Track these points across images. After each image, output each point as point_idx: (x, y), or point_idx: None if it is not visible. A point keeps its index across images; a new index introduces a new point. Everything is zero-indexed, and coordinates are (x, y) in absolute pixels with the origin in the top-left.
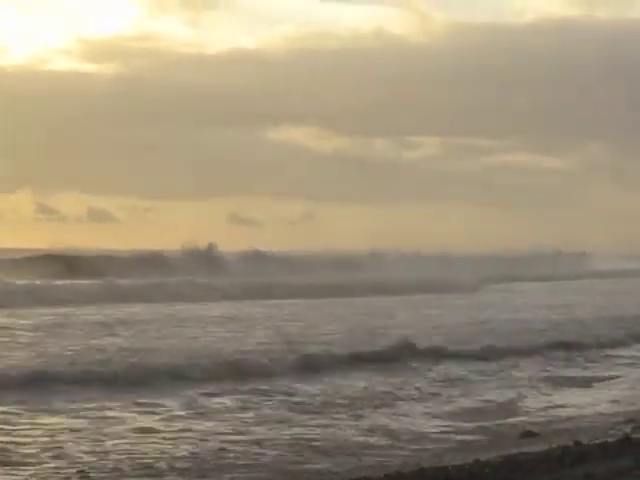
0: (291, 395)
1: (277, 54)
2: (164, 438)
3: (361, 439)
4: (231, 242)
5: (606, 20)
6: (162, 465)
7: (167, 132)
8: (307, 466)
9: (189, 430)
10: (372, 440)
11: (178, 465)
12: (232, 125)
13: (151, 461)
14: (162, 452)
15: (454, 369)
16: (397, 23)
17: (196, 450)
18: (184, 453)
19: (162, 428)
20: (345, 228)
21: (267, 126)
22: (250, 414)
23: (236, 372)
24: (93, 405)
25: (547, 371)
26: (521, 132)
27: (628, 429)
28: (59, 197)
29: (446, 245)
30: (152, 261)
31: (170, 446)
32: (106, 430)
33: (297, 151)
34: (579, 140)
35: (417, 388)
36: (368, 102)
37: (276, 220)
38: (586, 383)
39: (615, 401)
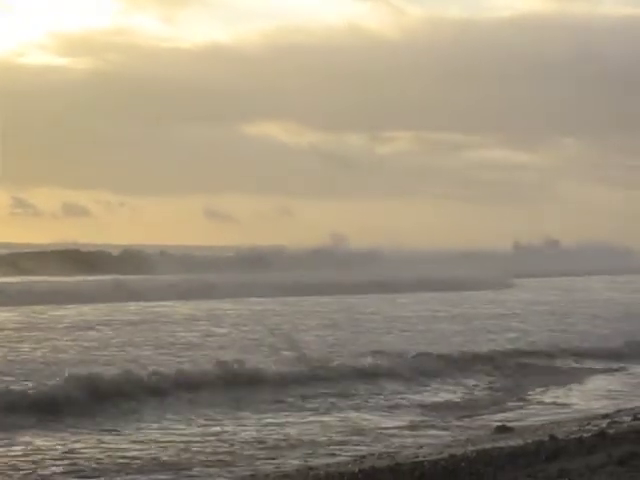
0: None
1: (252, 49)
2: None
3: (333, 436)
4: (206, 238)
5: (580, 15)
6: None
7: (142, 127)
8: (281, 461)
9: None
10: (345, 437)
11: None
12: (207, 120)
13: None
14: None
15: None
16: (371, 18)
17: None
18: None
19: None
20: (321, 223)
21: (242, 121)
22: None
23: None
24: None
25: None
26: (495, 127)
27: (604, 424)
28: (35, 192)
29: (424, 241)
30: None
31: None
32: None
33: (272, 146)
34: (554, 135)
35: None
36: (343, 97)
37: (252, 215)
38: None
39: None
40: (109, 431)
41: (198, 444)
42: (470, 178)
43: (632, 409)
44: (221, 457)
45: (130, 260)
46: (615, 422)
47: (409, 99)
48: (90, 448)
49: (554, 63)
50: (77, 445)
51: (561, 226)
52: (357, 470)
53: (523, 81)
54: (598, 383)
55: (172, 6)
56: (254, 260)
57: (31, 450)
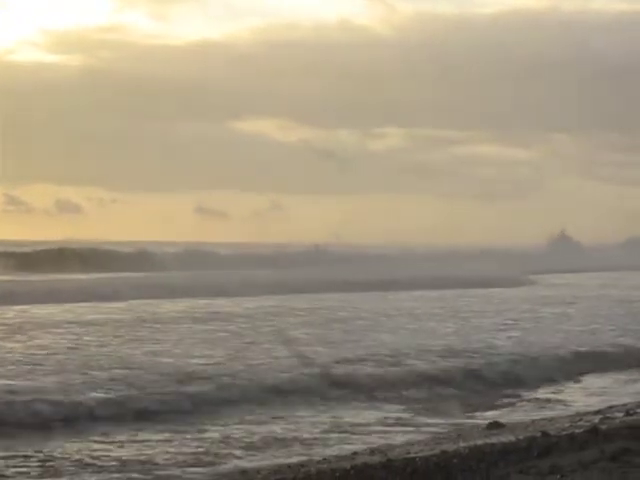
0: None
1: (244, 46)
2: None
3: (324, 433)
4: (198, 234)
5: (573, 11)
6: None
7: (134, 124)
8: (271, 459)
9: None
10: (336, 433)
11: None
12: (199, 117)
13: None
14: None
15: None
16: (363, 15)
17: None
18: None
19: None
20: (313, 219)
21: (234, 118)
22: None
23: None
24: None
25: None
26: (488, 124)
27: (596, 420)
28: (26, 189)
29: (420, 238)
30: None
31: None
32: None
33: (264, 143)
34: (546, 132)
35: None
36: (335, 93)
37: (244, 212)
38: None
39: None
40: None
41: (177, 443)
42: (462, 174)
43: (624, 405)
44: (208, 458)
45: (126, 257)
46: (607, 418)
47: (401, 95)
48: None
49: (546, 59)
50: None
51: (556, 222)
52: (349, 467)
53: (515, 77)
54: (590, 380)
55: (164, 3)
56: (249, 258)
57: None
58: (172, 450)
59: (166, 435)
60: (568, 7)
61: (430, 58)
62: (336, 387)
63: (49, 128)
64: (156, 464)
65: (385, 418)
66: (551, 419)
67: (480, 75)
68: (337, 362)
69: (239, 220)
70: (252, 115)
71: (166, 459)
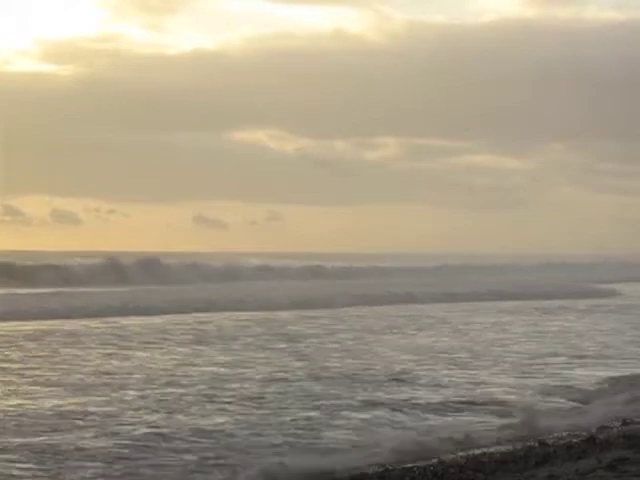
0: None
1: (239, 56)
2: None
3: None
4: (196, 244)
5: (564, 20)
6: None
7: (130, 134)
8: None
9: None
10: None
11: None
12: (195, 127)
13: None
14: None
15: None
16: (357, 24)
17: None
18: None
19: None
20: (310, 229)
21: (230, 128)
22: None
23: None
24: None
25: None
26: (482, 133)
27: (593, 429)
28: (23, 199)
29: (415, 246)
30: None
31: None
32: None
33: (260, 153)
34: (541, 141)
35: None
36: (330, 103)
37: (241, 222)
38: None
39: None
40: None
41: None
42: (458, 184)
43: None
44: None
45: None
46: (605, 427)
47: (396, 105)
48: None
49: (542, 68)
50: None
51: (553, 232)
52: (348, 476)
53: (509, 86)
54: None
55: (158, 13)
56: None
57: None
58: None
59: None
60: (560, 15)
61: (425, 67)
62: None
63: (44, 138)
64: None
65: (382, 426)
66: (549, 428)
67: (475, 84)
68: None
69: (236, 229)
70: (247, 125)
71: None
